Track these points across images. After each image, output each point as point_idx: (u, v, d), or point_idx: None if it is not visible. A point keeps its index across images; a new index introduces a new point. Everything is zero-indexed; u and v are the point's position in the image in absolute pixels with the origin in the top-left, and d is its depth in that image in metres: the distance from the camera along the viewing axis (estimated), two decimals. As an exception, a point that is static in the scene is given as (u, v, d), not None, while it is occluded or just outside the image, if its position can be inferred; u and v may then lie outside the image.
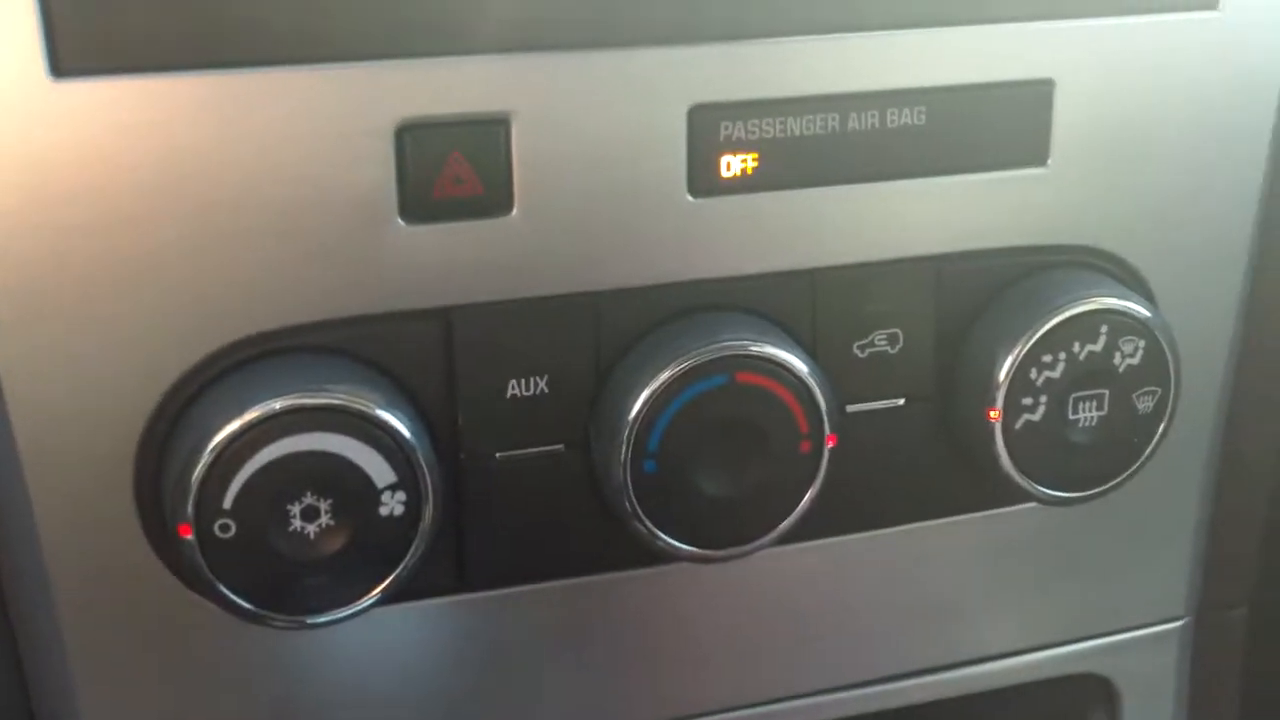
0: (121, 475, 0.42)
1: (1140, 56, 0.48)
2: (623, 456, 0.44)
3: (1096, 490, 0.50)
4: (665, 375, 0.44)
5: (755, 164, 0.45)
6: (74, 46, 0.38)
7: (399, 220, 0.42)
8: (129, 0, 0.38)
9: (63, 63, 0.38)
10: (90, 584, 0.43)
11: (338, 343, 0.43)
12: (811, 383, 0.45)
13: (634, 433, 0.44)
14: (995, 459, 0.48)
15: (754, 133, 0.44)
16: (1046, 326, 0.47)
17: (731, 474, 0.46)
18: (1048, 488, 0.49)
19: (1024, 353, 0.47)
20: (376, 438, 0.41)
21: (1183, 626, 0.59)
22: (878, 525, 0.51)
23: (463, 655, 0.49)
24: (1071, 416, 0.48)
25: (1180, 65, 0.48)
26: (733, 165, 0.44)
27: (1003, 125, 0.47)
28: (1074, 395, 0.48)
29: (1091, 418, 0.49)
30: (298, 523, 0.41)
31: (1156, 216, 0.50)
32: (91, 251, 0.40)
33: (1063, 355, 0.48)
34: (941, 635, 0.55)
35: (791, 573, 0.51)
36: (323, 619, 0.43)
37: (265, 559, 0.41)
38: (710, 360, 0.44)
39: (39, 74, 0.38)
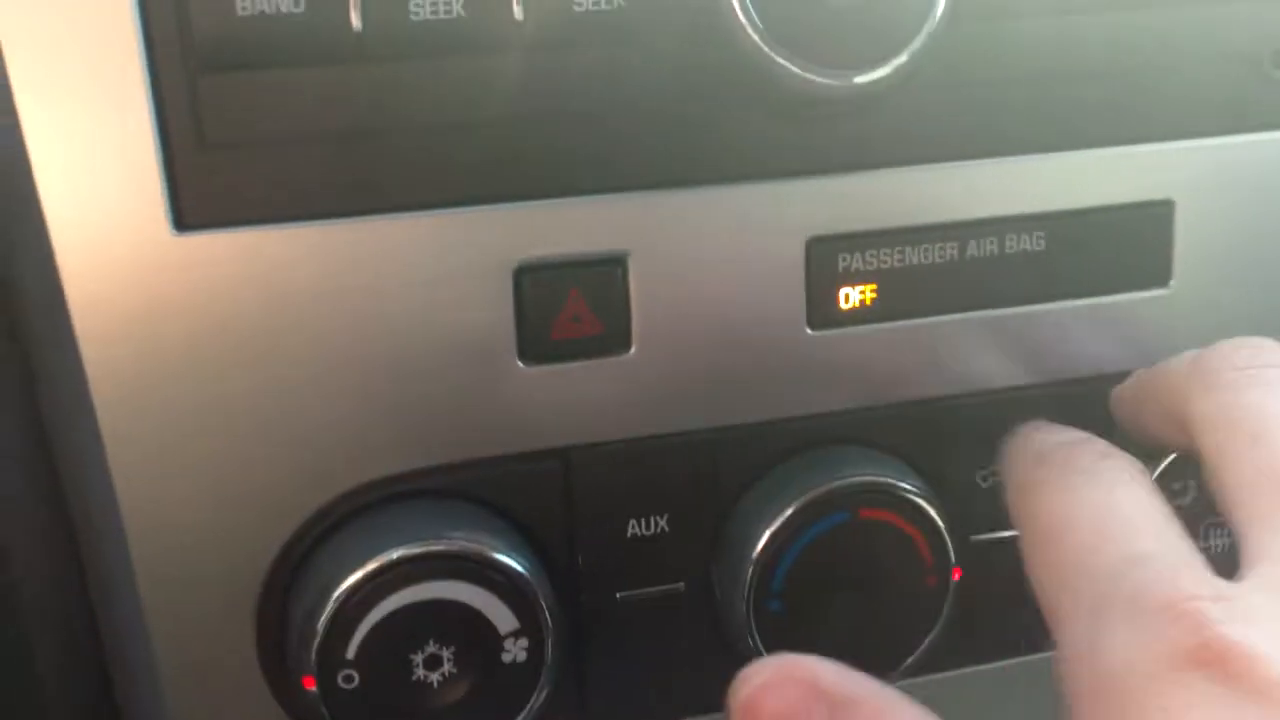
0: (243, 626, 0.42)
1: (1260, 173, 0.47)
2: (746, 595, 0.43)
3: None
4: (788, 513, 0.43)
5: (874, 295, 0.44)
6: (196, 202, 0.38)
7: (518, 362, 0.41)
8: (249, 155, 0.38)
9: (185, 217, 0.38)
10: (213, 733, 0.43)
11: (457, 486, 0.42)
12: (936, 516, 0.44)
13: (757, 571, 0.43)
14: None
15: (872, 263, 0.44)
16: (1173, 454, 0.46)
17: (857, 610, 0.45)
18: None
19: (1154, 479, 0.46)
20: (498, 583, 0.41)
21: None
22: (1005, 656, 0.50)
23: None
24: (1203, 545, 0.47)
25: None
26: (851, 297, 0.44)
27: (1123, 247, 0.46)
28: (1205, 524, 0.47)
29: (1223, 545, 0.48)
30: (421, 672, 0.41)
31: (1283, 335, 0.49)
32: (211, 398, 0.39)
33: (1192, 483, 0.46)
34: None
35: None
36: (442, 768, 0.42)
37: (389, 709, 0.41)
38: (832, 496, 0.43)
39: (162, 227, 0.38)
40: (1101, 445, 0.40)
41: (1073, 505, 0.37)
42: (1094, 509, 0.36)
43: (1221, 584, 0.33)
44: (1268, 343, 0.40)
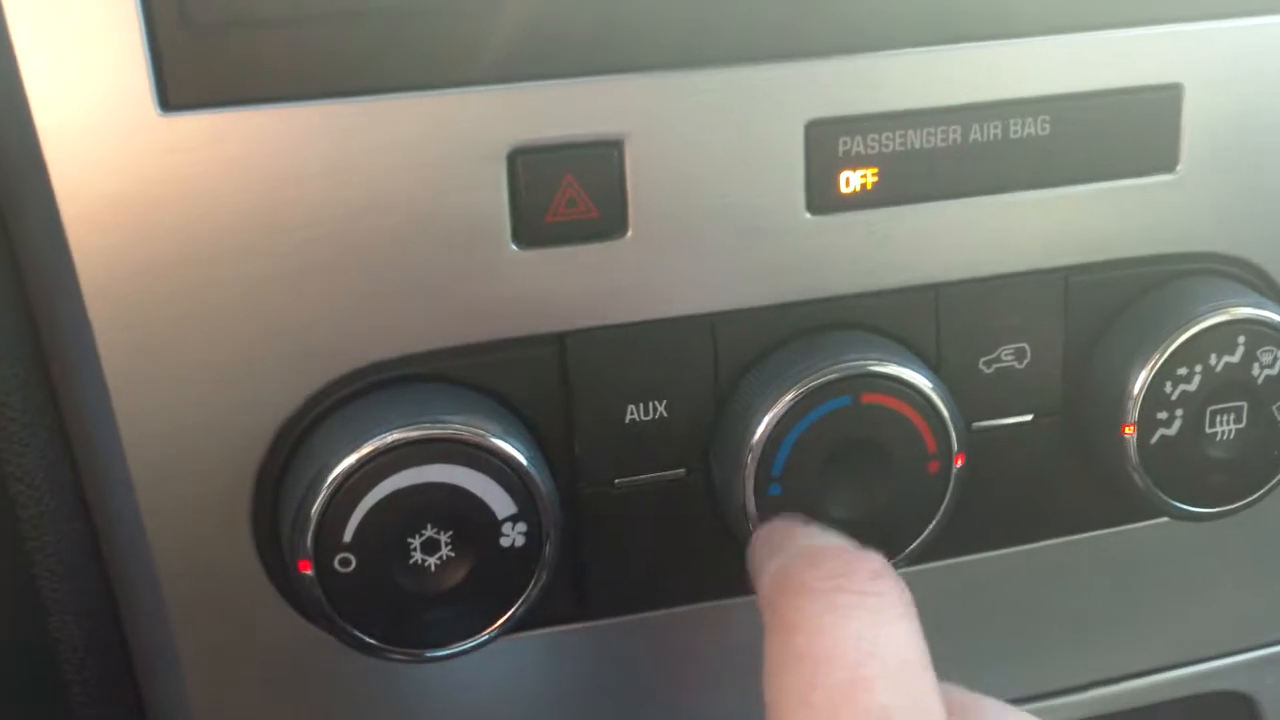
0: (239, 511, 0.42)
1: (1270, 58, 0.46)
2: (746, 481, 0.43)
3: (1236, 505, 0.48)
4: (788, 398, 0.43)
5: (875, 179, 0.44)
6: (182, 80, 0.38)
7: (512, 245, 0.41)
8: (236, 33, 0.38)
9: (171, 97, 0.38)
10: (209, 619, 0.43)
11: (453, 371, 0.42)
12: (938, 401, 0.44)
13: (758, 457, 0.43)
14: (1130, 476, 0.47)
15: (873, 147, 0.43)
16: (1181, 339, 0.46)
17: (858, 496, 0.45)
18: (1185, 504, 0.48)
19: (1158, 366, 0.46)
20: (495, 468, 0.41)
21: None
22: (1007, 544, 0.50)
23: (584, 683, 0.48)
24: (1209, 430, 0.47)
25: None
26: (852, 181, 0.43)
27: (1129, 132, 0.46)
28: (1211, 408, 0.47)
29: (1229, 431, 0.47)
30: (418, 556, 0.41)
31: (1292, 221, 0.48)
32: (203, 284, 0.39)
33: (1199, 368, 0.46)
34: (1074, 654, 0.53)
35: (920, 594, 0.50)
36: (443, 652, 0.42)
37: (386, 593, 0.41)
38: (834, 381, 0.43)
39: (148, 108, 0.37)
40: (877, 563, 0.38)
41: (838, 635, 0.35)
42: (858, 647, 0.35)
43: None
44: (858, 557, 0.38)
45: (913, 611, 0.37)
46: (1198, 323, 0.46)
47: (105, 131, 0.37)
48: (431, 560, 0.41)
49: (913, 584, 0.49)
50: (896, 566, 0.45)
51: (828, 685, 0.34)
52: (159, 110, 0.38)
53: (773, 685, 0.35)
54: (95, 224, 0.38)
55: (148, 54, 0.37)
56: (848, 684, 0.33)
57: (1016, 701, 0.53)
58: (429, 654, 0.42)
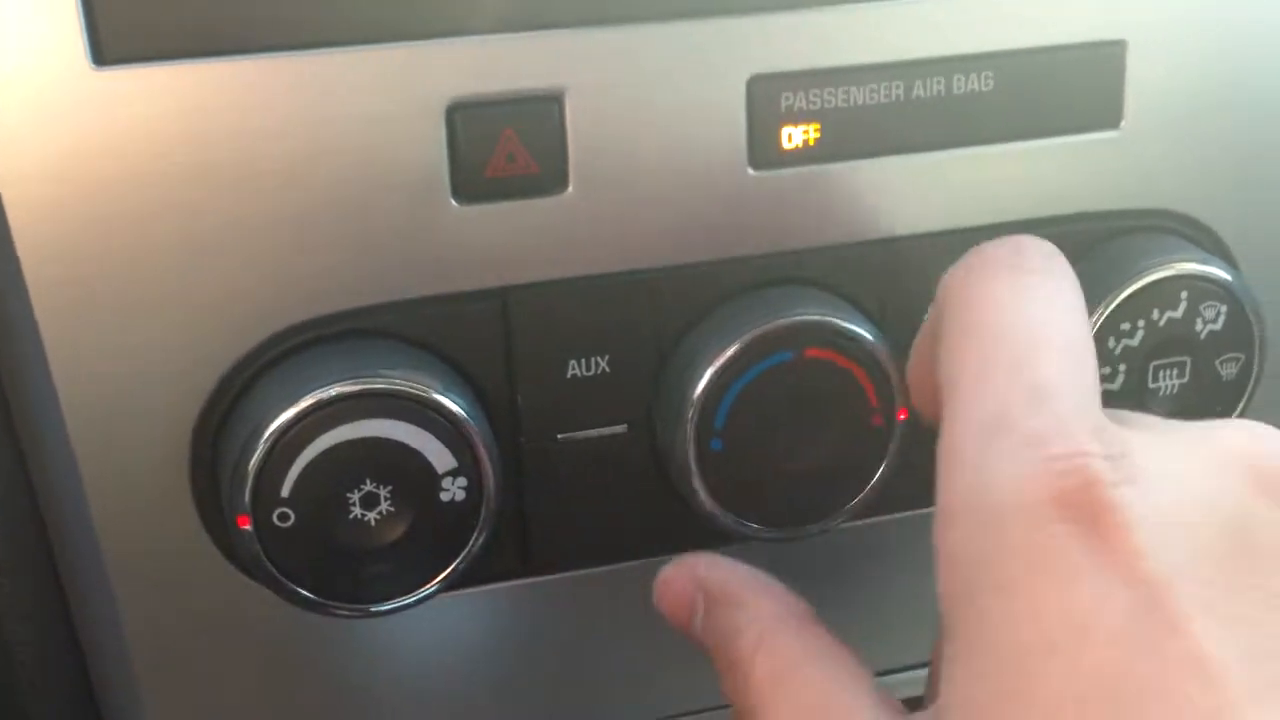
0: (177, 466, 0.42)
1: (1214, 14, 0.46)
2: (688, 435, 0.43)
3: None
4: (730, 352, 0.43)
5: (817, 135, 0.44)
6: (116, 34, 0.37)
7: (452, 201, 0.41)
8: (170, -15, 0.37)
9: (105, 51, 0.37)
10: (148, 575, 0.43)
11: (392, 326, 0.42)
12: (881, 355, 0.44)
13: (699, 411, 0.43)
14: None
15: (815, 103, 0.43)
16: (1124, 294, 0.46)
17: (801, 451, 0.45)
18: (1128, 459, 0.48)
19: (1101, 321, 0.46)
20: (435, 422, 0.41)
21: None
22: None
23: (527, 639, 0.48)
24: (1152, 385, 0.47)
25: (1256, 20, 0.46)
26: (794, 137, 0.43)
27: (1073, 88, 0.46)
28: (1154, 363, 0.47)
29: (1172, 386, 0.47)
30: (358, 510, 0.41)
31: (1235, 178, 0.48)
32: (138, 240, 0.39)
33: (1141, 323, 0.46)
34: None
35: (865, 549, 0.50)
36: (384, 607, 0.42)
37: (325, 548, 0.41)
38: (776, 335, 0.43)
39: (81, 62, 0.37)
40: (1047, 244, 0.38)
41: (1016, 310, 0.35)
42: (1031, 322, 0.35)
43: (1115, 439, 0.32)
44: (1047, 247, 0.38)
45: (1080, 294, 0.37)
46: (1141, 278, 0.46)
47: (38, 87, 0.37)
48: (371, 515, 0.41)
49: (862, 539, 0.49)
50: (843, 520, 0.46)
51: (1000, 359, 0.34)
52: (92, 64, 0.37)
53: (951, 356, 0.35)
54: (29, 179, 0.38)
55: (80, 8, 0.37)
56: (1018, 359, 0.34)
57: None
58: (370, 609, 0.42)
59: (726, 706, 0.49)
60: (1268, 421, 0.47)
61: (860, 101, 0.44)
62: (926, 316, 0.39)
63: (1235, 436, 0.34)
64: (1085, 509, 0.30)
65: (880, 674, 0.52)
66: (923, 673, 0.51)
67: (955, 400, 0.34)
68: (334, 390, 0.40)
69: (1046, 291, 0.36)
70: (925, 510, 0.48)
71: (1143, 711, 0.28)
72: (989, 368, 0.34)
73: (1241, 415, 0.49)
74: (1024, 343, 0.34)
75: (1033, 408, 0.32)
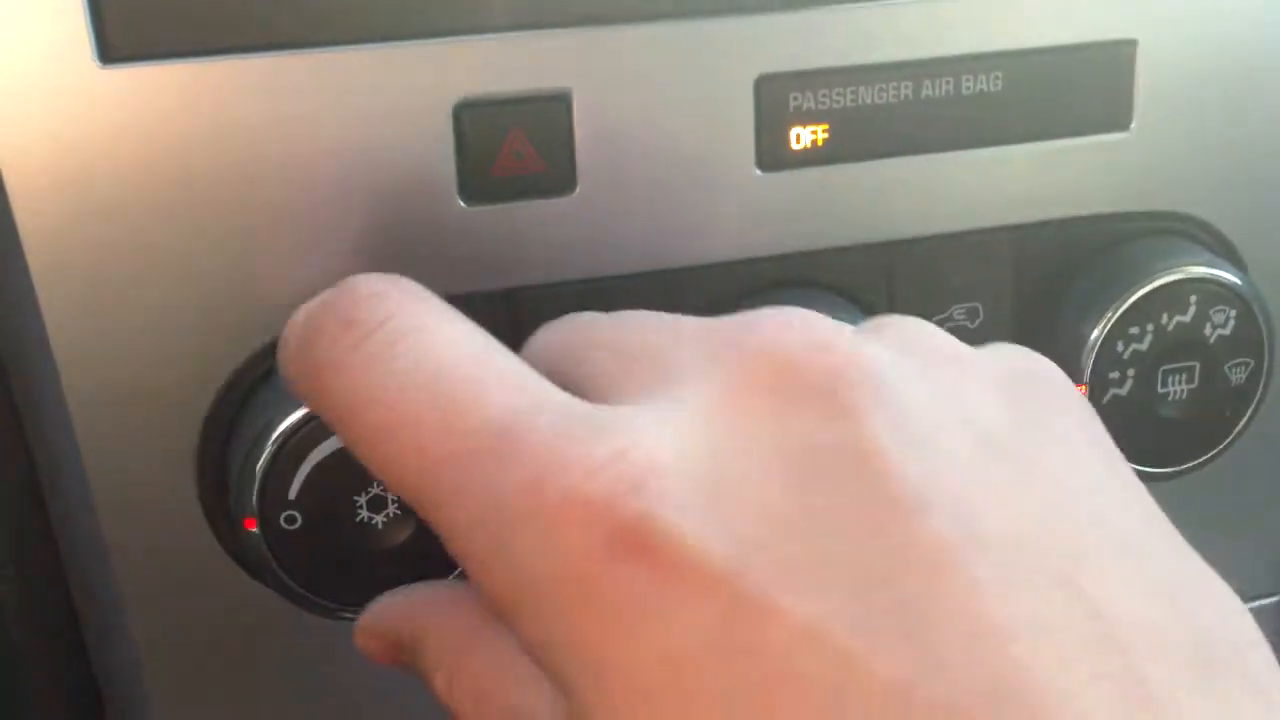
0: (184, 468, 0.41)
1: (1225, 14, 0.46)
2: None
3: (1187, 465, 0.48)
4: (737, 355, 0.42)
5: (826, 135, 0.43)
6: (123, 32, 0.37)
7: (459, 201, 0.41)
8: (177, -17, 0.37)
9: (112, 49, 0.37)
10: (155, 577, 0.43)
11: (400, 328, 0.42)
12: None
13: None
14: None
15: (824, 103, 0.43)
16: (1133, 297, 0.46)
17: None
18: (1136, 463, 0.47)
19: (1110, 325, 0.46)
20: (442, 425, 0.40)
21: (1276, 604, 0.57)
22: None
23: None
24: (1161, 390, 0.47)
25: (1267, 21, 0.46)
26: (802, 137, 0.43)
27: (1083, 89, 0.45)
28: (1163, 368, 0.47)
29: (1181, 391, 0.47)
30: (365, 513, 0.41)
31: (1246, 180, 0.48)
32: (145, 238, 0.39)
33: (1150, 327, 0.46)
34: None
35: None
36: (391, 611, 0.42)
37: (332, 550, 0.41)
38: (783, 338, 0.43)
39: (87, 61, 0.37)
40: (365, 287, 0.33)
41: (391, 384, 0.31)
42: (418, 382, 0.31)
43: (606, 444, 0.28)
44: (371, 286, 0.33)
45: (453, 311, 0.33)
46: (1150, 282, 0.46)
47: (45, 85, 0.37)
48: (378, 518, 0.41)
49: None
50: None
51: (413, 443, 0.30)
52: (99, 62, 0.37)
53: (372, 461, 0.31)
54: (36, 177, 0.38)
55: (87, 6, 0.37)
56: (437, 429, 0.30)
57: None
58: None
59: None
60: (1272, 430, 0.48)
61: (869, 101, 0.43)
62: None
63: (734, 343, 0.31)
64: (626, 550, 0.27)
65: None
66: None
67: (438, 514, 0.30)
68: (341, 392, 0.39)
69: (412, 330, 0.32)
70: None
71: (770, 703, 0.25)
72: (439, 455, 0.30)
73: (1252, 421, 0.48)
74: (445, 396, 0.30)
75: (511, 466, 0.28)
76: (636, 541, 0.27)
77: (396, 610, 0.37)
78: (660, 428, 0.29)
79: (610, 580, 0.27)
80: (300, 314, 0.33)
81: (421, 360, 0.31)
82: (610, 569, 0.27)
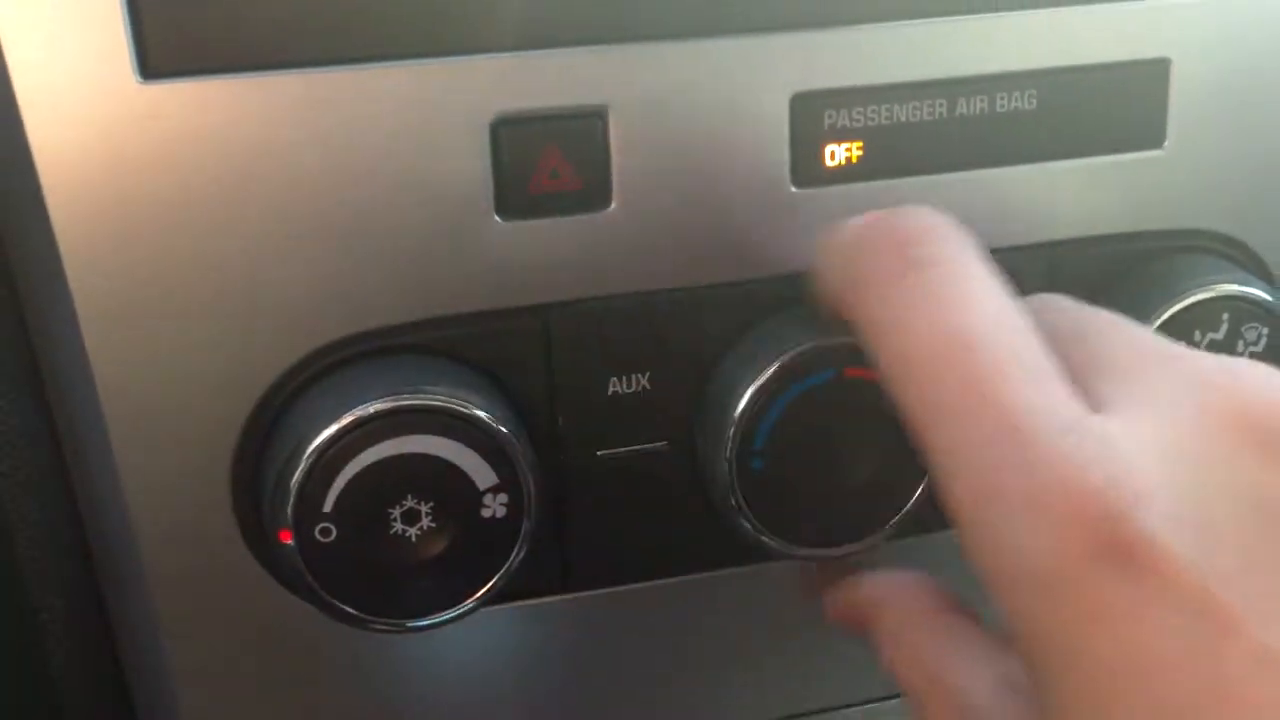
0: (219, 480, 0.42)
1: (1259, 32, 0.46)
2: (728, 454, 0.43)
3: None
4: (770, 370, 0.43)
5: (860, 152, 0.43)
6: (163, 48, 0.37)
7: (495, 217, 0.41)
8: (218, 0, 0.37)
9: (151, 64, 0.37)
10: (189, 589, 0.43)
11: (435, 342, 0.42)
12: (921, 375, 0.44)
13: (739, 430, 0.43)
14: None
15: (859, 120, 0.43)
16: (1165, 315, 0.46)
17: (841, 470, 0.45)
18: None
19: (1143, 342, 0.46)
20: (476, 439, 0.41)
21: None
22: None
23: (566, 655, 0.48)
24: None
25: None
26: (837, 154, 0.43)
27: (1117, 107, 0.45)
28: None
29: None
30: (399, 526, 0.41)
31: (1279, 198, 0.48)
32: (184, 253, 0.39)
33: (1183, 344, 0.46)
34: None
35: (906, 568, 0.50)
36: (424, 622, 0.42)
37: (367, 563, 0.41)
38: (817, 354, 0.43)
39: (127, 76, 0.37)
40: (922, 216, 0.36)
41: (943, 329, 0.33)
42: (966, 337, 0.33)
43: (1102, 449, 0.31)
44: (929, 220, 0.37)
45: (977, 253, 0.36)
46: (1182, 299, 0.46)
47: (85, 100, 0.37)
48: (412, 531, 0.41)
49: (897, 559, 0.49)
50: (880, 539, 0.46)
51: (961, 400, 0.33)
52: (139, 78, 0.37)
53: (897, 389, 0.34)
54: (76, 192, 0.38)
55: (127, 21, 0.37)
56: (982, 393, 0.32)
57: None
58: (409, 624, 0.42)
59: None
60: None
61: (903, 119, 0.43)
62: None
63: (1216, 383, 0.32)
64: (1112, 553, 0.29)
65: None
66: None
67: (930, 458, 0.33)
68: (376, 406, 0.40)
69: (951, 286, 0.35)
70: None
71: (1227, 715, 0.28)
72: (946, 419, 0.33)
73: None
74: (972, 373, 0.33)
75: (1017, 460, 0.31)
76: (1125, 551, 0.29)
77: (865, 586, 0.43)
78: (1152, 447, 0.31)
79: (1095, 582, 0.29)
80: (854, 227, 0.37)
81: (957, 314, 0.34)
82: (1097, 571, 0.29)
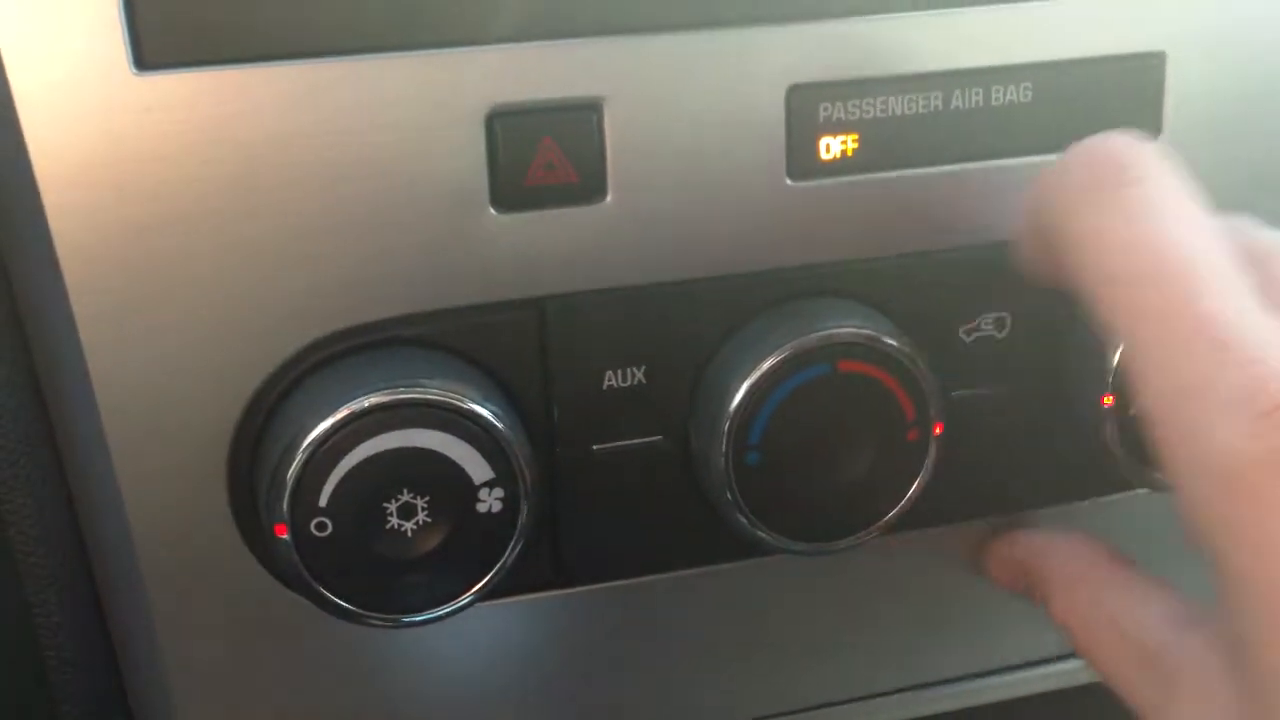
0: (215, 474, 0.42)
1: (1254, 26, 0.46)
2: (724, 449, 0.43)
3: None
4: (767, 365, 0.43)
5: (856, 145, 0.43)
6: (157, 38, 0.37)
7: (491, 209, 0.41)
8: (212, -10, 0.37)
9: (146, 56, 0.37)
10: (185, 584, 0.43)
11: (430, 336, 0.42)
12: (916, 369, 0.44)
13: (735, 424, 0.43)
14: (1108, 446, 0.47)
15: (854, 113, 0.43)
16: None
17: (836, 465, 0.44)
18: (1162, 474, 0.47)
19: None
20: (472, 433, 0.40)
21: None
22: (986, 514, 0.50)
23: (561, 650, 0.48)
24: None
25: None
26: (832, 147, 0.43)
27: (1113, 100, 0.45)
28: None
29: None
30: (395, 520, 0.41)
31: (1275, 190, 0.48)
32: (178, 246, 0.39)
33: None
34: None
35: (899, 563, 0.50)
36: (420, 617, 0.42)
37: (362, 557, 0.41)
38: (813, 349, 0.43)
39: (122, 67, 0.37)
40: (1126, 141, 0.39)
41: (1146, 243, 0.36)
42: (1167, 251, 0.36)
43: None
44: (1141, 143, 0.39)
45: (1178, 171, 0.38)
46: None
47: (80, 91, 0.37)
48: (408, 525, 0.41)
49: (894, 552, 0.49)
50: (877, 533, 0.46)
51: (1164, 307, 0.35)
52: (134, 69, 0.37)
53: (1103, 306, 0.37)
54: (70, 184, 0.38)
55: (123, 12, 0.37)
56: (1183, 302, 0.35)
57: (997, 671, 0.54)
58: (405, 619, 0.42)
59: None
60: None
61: (899, 112, 0.43)
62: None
63: None
64: None
65: (914, 688, 0.52)
66: (961, 687, 0.51)
67: (1132, 362, 0.36)
68: (371, 400, 0.39)
69: (1156, 205, 0.37)
70: (959, 525, 0.49)
71: None
72: (1150, 324, 0.35)
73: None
74: (1174, 280, 0.35)
75: (1217, 362, 0.34)
76: None
77: (1023, 541, 0.48)
78: None
79: None
80: (1071, 152, 0.40)
81: (1167, 226, 0.36)
82: None
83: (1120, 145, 0.39)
